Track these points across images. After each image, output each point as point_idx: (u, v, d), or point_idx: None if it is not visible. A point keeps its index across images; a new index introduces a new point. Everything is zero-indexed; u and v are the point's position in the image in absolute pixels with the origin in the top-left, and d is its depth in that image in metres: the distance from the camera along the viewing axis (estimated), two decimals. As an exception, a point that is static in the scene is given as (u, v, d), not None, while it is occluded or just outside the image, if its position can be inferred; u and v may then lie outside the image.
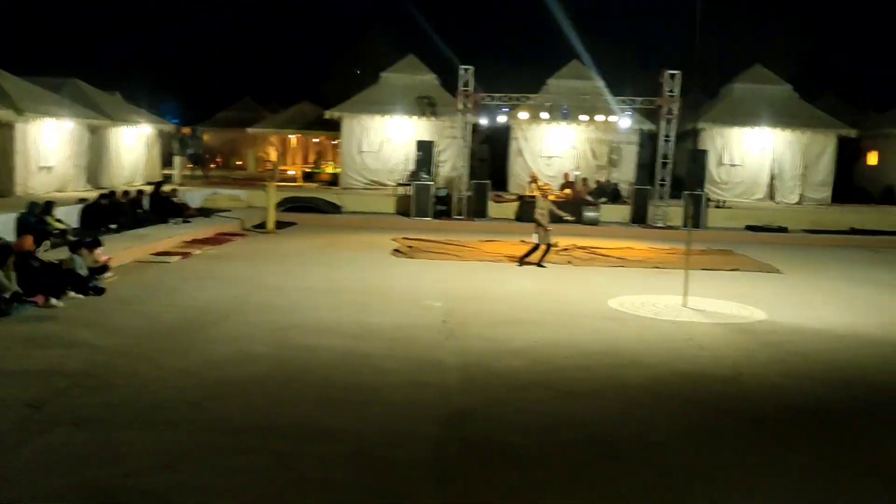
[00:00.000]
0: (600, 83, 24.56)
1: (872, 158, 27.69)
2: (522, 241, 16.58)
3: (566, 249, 16.69)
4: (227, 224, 18.11)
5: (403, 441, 5.84)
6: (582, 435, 6.12)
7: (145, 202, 17.91)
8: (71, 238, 12.89)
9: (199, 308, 9.98)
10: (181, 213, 17.91)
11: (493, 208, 22.21)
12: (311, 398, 6.72)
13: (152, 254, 13.94)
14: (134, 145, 24.28)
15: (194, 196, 21.24)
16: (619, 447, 5.91)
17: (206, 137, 35.92)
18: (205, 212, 19.77)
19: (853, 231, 20.75)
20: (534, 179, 21.81)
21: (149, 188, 19.61)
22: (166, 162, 27.50)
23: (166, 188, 19.49)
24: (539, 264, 14.43)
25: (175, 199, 18.41)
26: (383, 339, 8.80)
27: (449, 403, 6.75)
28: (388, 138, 25.11)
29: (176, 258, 13.72)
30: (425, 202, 21.28)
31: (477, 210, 21.77)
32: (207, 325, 9.10)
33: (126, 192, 17.74)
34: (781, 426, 6.50)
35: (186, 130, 28.85)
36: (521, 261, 14.48)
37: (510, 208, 22.12)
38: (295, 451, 5.53)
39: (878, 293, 12.86)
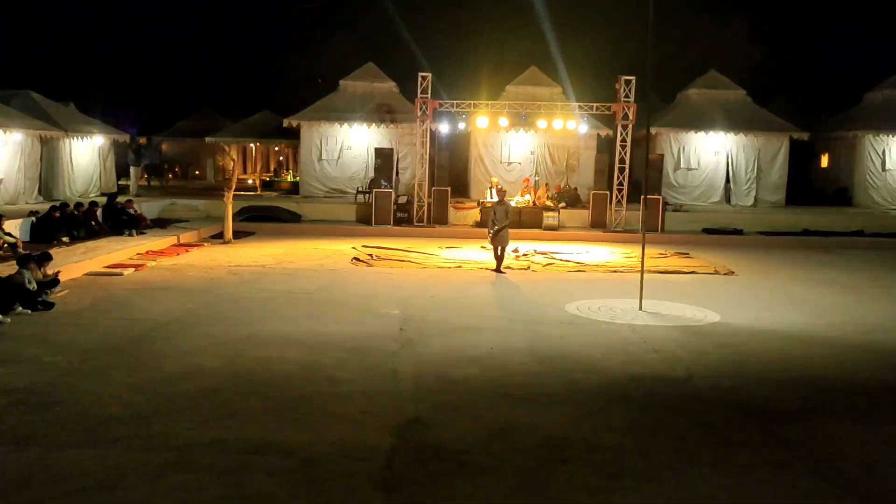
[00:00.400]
0: (558, 89, 24.81)
1: (825, 160, 28.24)
2: (483, 248, 16.65)
3: (526, 255, 16.77)
4: (183, 235, 17.88)
5: (354, 452, 5.79)
6: (533, 440, 6.13)
7: (99, 214, 17.59)
8: (20, 252, 12.62)
9: (151, 321, 9.82)
10: (136, 224, 17.64)
11: (453, 215, 22.23)
12: (262, 411, 6.64)
13: (105, 266, 13.71)
14: (88, 156, 23.86)
15: (150, 207, 20.94)
16: (569, 451, 5.93)
17: (164, 147, 35.49)
18: (161, 223, 19.51)
19: (807, 232, 21.12)
20: (493, 186, 21.88)
21: (103, 199, 19.29)
22: (123, 173, 27.08)
23: (121, 199, 19.17)
24: (498, 270, 14.49)
25: (130, 211, 18.11)
26: (338, 348, 8.75)
27: (402, 412, 6.73)
28: (347, 146, 25.01)
29: (129, 270, 13.50)
30: (386, 209, 21.24)
31: (438, 217, 21.80)
32: (158, 339, 8.96)
33: (79, 204, 17.42)
34: (728, 427, 6.57)
35: (143, 140, 28.43)
36: (498, 269, 14.50)
37: (471, 215, 22.16)
38: (241, 466, 5.45)
39: (831, 293, 13.09)
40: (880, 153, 25.28)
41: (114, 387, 7.19)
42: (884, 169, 25.30)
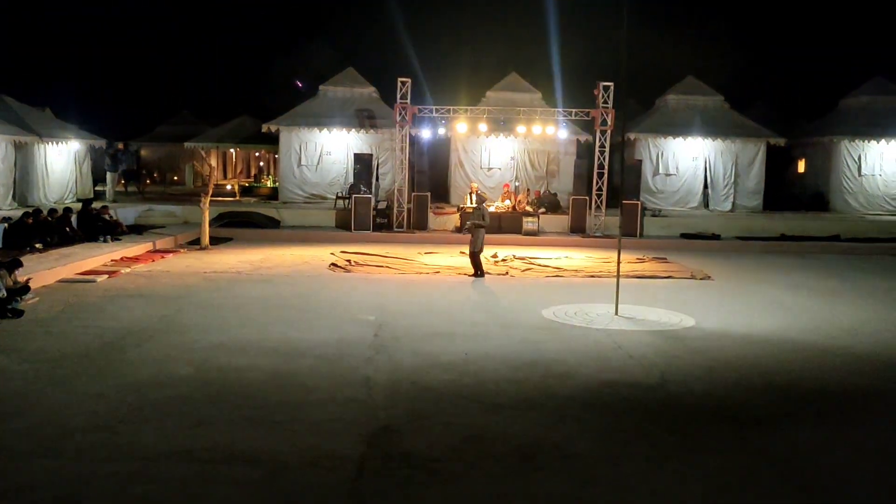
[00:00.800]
0: (538, 94, 24.87)
1: (801, 166, 28.48)
2: (462, 253, 16.60)
3: (504, 260, 16.76)
4: (159, 241, 17.71)
5: (323, 461, 5.73)
6: (505, 447, 6.09)
7: (74, 220, 17.40)
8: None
9: (122, 329, 9.70)
10: (111, 230, 17.46)
11: (433, 220, 22.20)
12: (231, 419, 6.56)
13: (78, 273, 13.56)
14: (64, 162, 23.60)
15: (127, 213, 20.75)
16: (541, 458, 5.89)
17: (142, 152, 35.22)
18: (137, 229, 19.31)
19: (783, 237, 21.27)
20: (473, 191, 21.89)
21: (78, 205, 19.08)
22: (100, 178, 26.82)
23: (97, 205, 18.97)
24: (476, 275, 14.47)
25: (106, 216, 17.92)
26: (312, 356, 8.67)
27: (374, 420, 6.67)
28: (327, 151, 24.90)
29: (103, 277, 13.35)
30: (365, 215, 21.17)
31: (417, 222, 21.75)
32: (128, 347, 8.85)
33: (53, 210, 17.21)
34: (700, 433, 6.56)
35: (120, 145, 28.16)
36: (477, 273, 14.48)
37: (451, 220, 22.13)
38: (207, 477, 5.38)
39: (807, 298, 13.16)
40: (856, 158, 25.52)
41: (81, 396, 7.08)
42: (860, 174, 25.55)
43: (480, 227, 14.58)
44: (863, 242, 20.76)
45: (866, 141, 25.39)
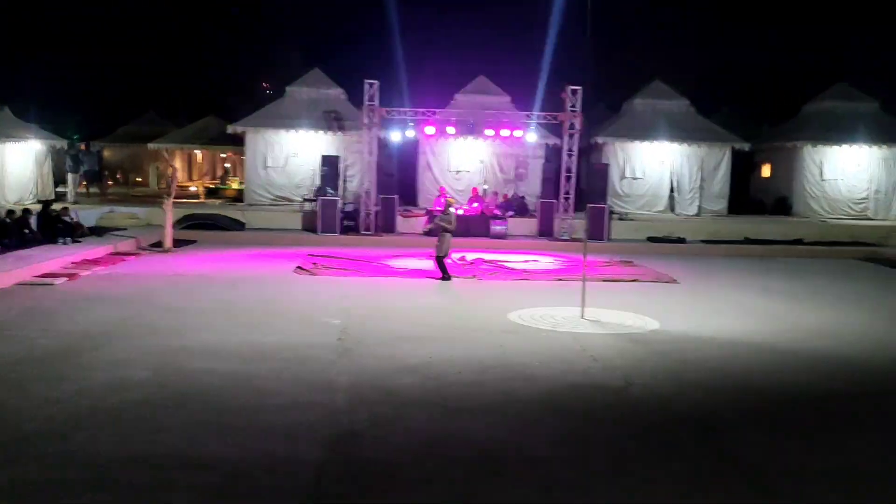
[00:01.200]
0: (506, 98, 24.90)
1: (766, 171, 28.86)
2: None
3: (472, 263, 16.72)
4: (121, 243, 17.41)
5: (281, 466, 5.62)
6: (468, 452, 6.03)
7: (33, 222, 17.03)
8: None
9: (80, 332, 9.49)
10: (72, 232, 17.12)
11: (401, 223, 22.10)
12: (190, 425, 6.42)
13: (37, 276, 13.26)
14: (23, 162, 23.14)
15: (88, 214, 20.36)
16: (503, 463, 5.84)
17: (105, 153, 34.64)
18: (99, 231, 18.96)
19: (748, 241, 21.51)
20: (442, 194, 21.86)
21: (38, 207, 18.69)
22: (61, 179, 26.33)
23: (57, 206, 18.60)
24: (444, 278, 14.41)
25: (66, 218, 17.57)
26: (274, 359, 8.55)
27: (335, 424, 6.57)
28: (293, 153, 24.67)
29: (62, 280, 13.08)
30: (332, 217, 21.02)
31: (385, 225, 21.64)
32: (86, 351, 8.65)
33: (11, 212, 16.84)
34: (664, 437, 6.55)
35: (82, 146, 27.68)
36: (444, 276, 14.41)
37: (419, 223, 22.04)
38: (161, 483, 5.25)
39: (770, 301, 13.28)
40: (819, 163, 25.91)
41: (34, 401, 6.90)
42: (822, 179, 25.94)
43: (447, 231, 14.52)
44: (825, 246, 21.08)
45: (829, 146, 25.80)
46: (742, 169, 27.69)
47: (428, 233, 18.75)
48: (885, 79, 31.45)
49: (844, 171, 25.92)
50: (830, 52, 36.88)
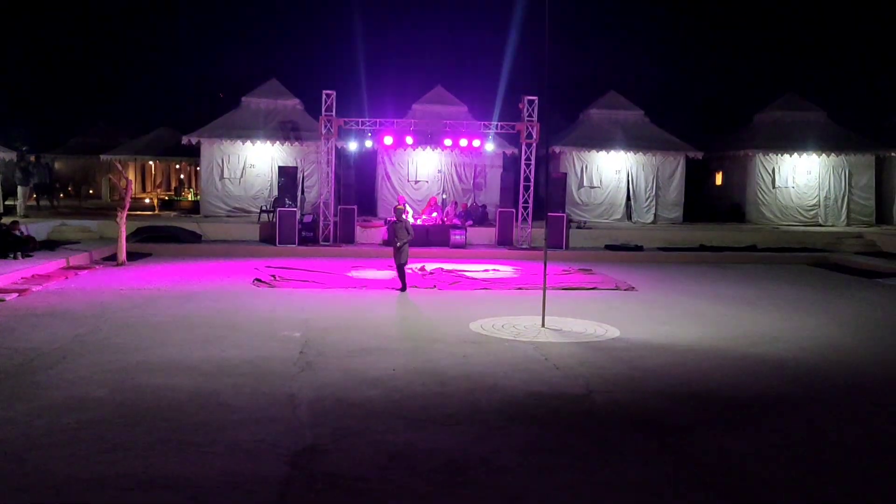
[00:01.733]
0: (464, 108, 25.01)
1: (719, 178, 29.43)
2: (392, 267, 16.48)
3: (432, 273, 16.72)
4: (73, 257, 17.03)
5: (245, 483, 5.54)
6: (432, 464, 6.01)
7: (-19, 236, 16.58)
8: None
9: (33, 350, 9.25)
10: (23, 246, 16.70)
11: (360, 234, 22.02)
12: (148, 443, 6.29)
13: (-14, 292, 12.90)
14: (-29, 175, 22.60)
15: (39, 228, 19.90)
16: (468, 474, 5.84)
17: (56, 165, 33.93)
18: (50, 244, 18.55)
19: (703, 248, 21.88)
20: (400, 202, 21.82)
21: (-14, 221, 18.19)
22: (10, 192, 25.70)
23: (7, 220, 18.12)
24: (403, 289, 14.36)
25: (16, 232, 17.13)
26: (235, 374, 8.43)
27: (298, 440, 6.50)
28: (250, 164, 24.48)
29: (13, 296, 12.74)
30: (290, 228, 20.85)
31: (344, 236, 21.55)
32: (40, 369, 8.43)
33: (-42, 226, 16.39)
34: (625, 443, 6.62)
35: (32, 158, 27.06)
36: (403, 288, 14.33)
37: (378, 233, 21.99)
38: (122, 504, 5.13)
39: (725, 307, 13.51)
40: (770, 171, 26.50)
41: (-14, 422, 6.70)
42: (774, 186, 26.53)
43: (405, 239, 14.44)
44: (778, 252, 21.54)
45: (779, 154, 26.40)
46: (696, 177, 28.20)
47: (388, 243, 18.74)
48: (831, 89, 32.36)
49: (795, 178, 26.55)
50: (779, 62, 37.81)
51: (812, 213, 26.57)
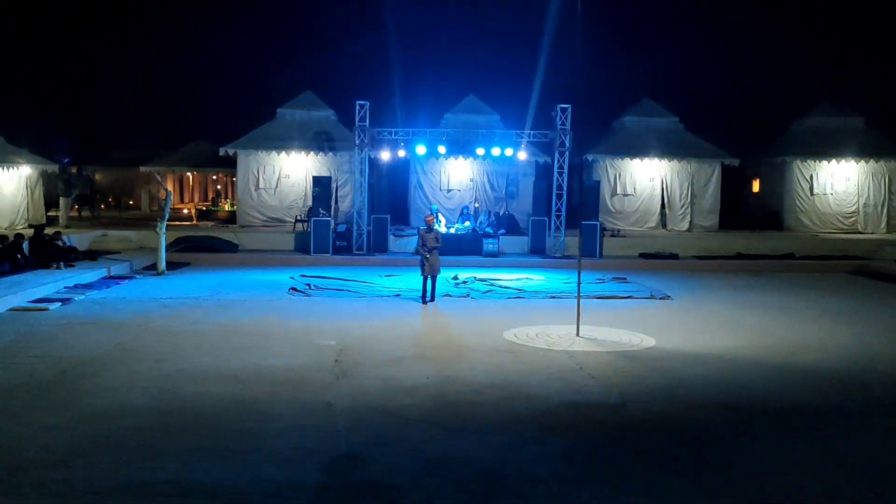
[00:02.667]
0: (496, 117, 25.06)
1: (756, 186, 29.10)
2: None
3: (465, 282, 16.76)
4: (114, 267, 17.38)
5: (283, 491, 5.63)
6: (468, 473, 6.05)
7: (26, 247, 16.98)
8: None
9: (76, 358, 9.47)
10: (65, 256, 17.08)
11: (393, 242, 22.13)
12: (188, 450, 6.41)
13: (30, 301, 13.23)
14: (14, 187, 23.12)
15: (81, 238, 20.33)
16: (503, 483, 5.86)
17: (97, 177, 34.63)
18: (92, 255, 18.93)
19: (740, 256, 21.63)
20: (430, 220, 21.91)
21: (29, 231, 18.65)
22: (53, 203, 26.29)
23: (49, 231, 18.55)
24: (430, 299, 14.24)
25: (59, 242, 17.53)
26: (272, 382, 8.55)
27: (334, 447, 6.58)
28: (285, 174, 24.79)
29: (56, 305, 13.04)
30: (325, 238, 21.03)
31: (377, 245, 21.67)
32: (84, 377, 8.63)
33: (3, 237, 16.80)
34: (661, 453, 6.59)
35: (74, 170, 27.65)
36: (426, 298, 14.28)
37: (411, 242, 22.07)
38: (164, 510, 5.24)
39: (763, 316, 13.36)
40: (808, 178, 26.14)
41: (34, 428, 6.88)
42: (812, 193, 26.16)
43: (433, 249, 14.39)
44: (816, 260, 21.21)
45: (818, 161, 26.04)
46: (732, 184, 27.90)
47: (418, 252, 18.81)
48: (869, 95, 31.83)
49: (833, 185, 26.16)
50: (816, 68, 37.29)
51: (851, 220, 26.14)
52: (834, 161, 25.98)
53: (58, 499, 5.41)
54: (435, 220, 17.04)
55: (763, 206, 27.82)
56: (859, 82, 35.15)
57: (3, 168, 22.25)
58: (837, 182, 26.15)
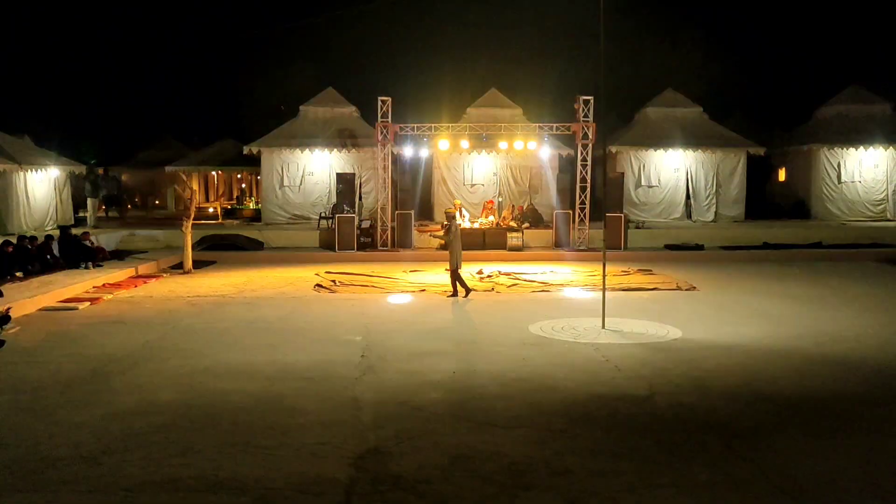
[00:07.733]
0: (518, 110, 24.97)
1: (782, 175, 28.75)
2: (448, 270, 16.52)
3: (490, 276, 16.73)
4: (142, 266, 17.57)
5: (311, 486, 5.65)
6: (495, 466, 6.03)
7: (55, 247, 17.22)
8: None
9: (105, 356, 9.58)
10: (93, 256, 17.30)
11: (417, 238, 22.16)
12: (217, 446, 6.46)
13: (60, 301, 13.41)
14: (44, 189, 23.43)
15: (109, 238, 20.59)
16: (531, 476, 5.84)
17: (124, 177, 35.04)
18: (119, 254, 19.17)
19: (766, 246, 21.40)
20: (457, 208, 21.90)
21: (58, 232, 18.89)
22: (81, 204, 26.63)
23: (77, 231, 18.80)
24: (454, 294, 14.26)
25: (87, 243, 17.76)
26: (298, 378, 8.59)
27: (361, 442, 6.59)
28: (309, 172, 24.91)
29: (85, 304, 13.21)
30: (349, 234, 21.12)
31: (401, 240, 21.72)
32: (112, 375, 8.73)
33: (33, 238, 17.04)
34: (689, 445, 6.52)
35: (101, 171, 28.01)
36: (456, 292, 14.29)
37: (435, 237, 22.07)
38: (193, 505, 5.28)
39: (791, 306, 13.20)
40: (835, 166, 25.79)
41: (63, 426, 6.96)
42: (839, 181, 25.81)
43: (454, 242, 14.38)
44: (845, 249, 20.93)
45: (845, 148, 25.69)
46: (758, 174, 27.59)
47: (444, 247, 18.79)
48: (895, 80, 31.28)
49: (861, 173, 25.80)
50: (843, 55, 36.75)
51: (880, 207, 25.77)
52: (861, 148, 25.63)
53: (88, 495, 5.47)
54: (457, 213, 17.04)
55: (789, 195, 27.50)
56: (886, 67, 34.57)
57: (32, 170, 22.54)
58: (865, 169, 25.80)
